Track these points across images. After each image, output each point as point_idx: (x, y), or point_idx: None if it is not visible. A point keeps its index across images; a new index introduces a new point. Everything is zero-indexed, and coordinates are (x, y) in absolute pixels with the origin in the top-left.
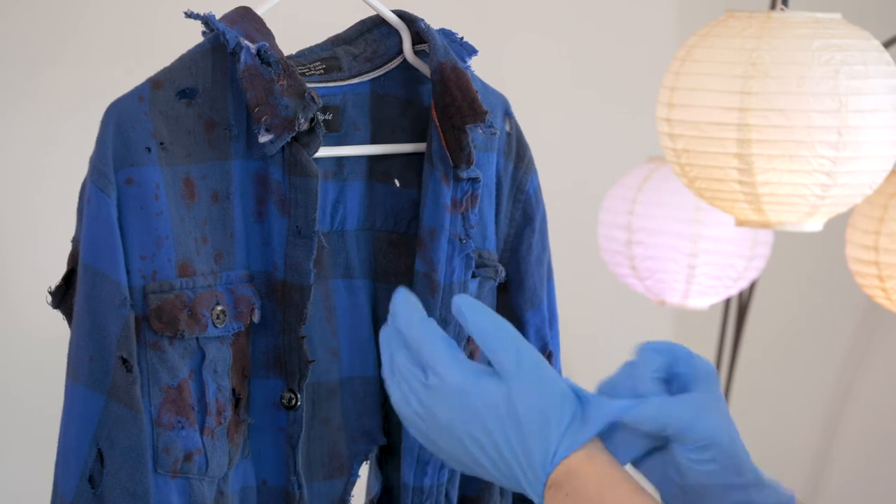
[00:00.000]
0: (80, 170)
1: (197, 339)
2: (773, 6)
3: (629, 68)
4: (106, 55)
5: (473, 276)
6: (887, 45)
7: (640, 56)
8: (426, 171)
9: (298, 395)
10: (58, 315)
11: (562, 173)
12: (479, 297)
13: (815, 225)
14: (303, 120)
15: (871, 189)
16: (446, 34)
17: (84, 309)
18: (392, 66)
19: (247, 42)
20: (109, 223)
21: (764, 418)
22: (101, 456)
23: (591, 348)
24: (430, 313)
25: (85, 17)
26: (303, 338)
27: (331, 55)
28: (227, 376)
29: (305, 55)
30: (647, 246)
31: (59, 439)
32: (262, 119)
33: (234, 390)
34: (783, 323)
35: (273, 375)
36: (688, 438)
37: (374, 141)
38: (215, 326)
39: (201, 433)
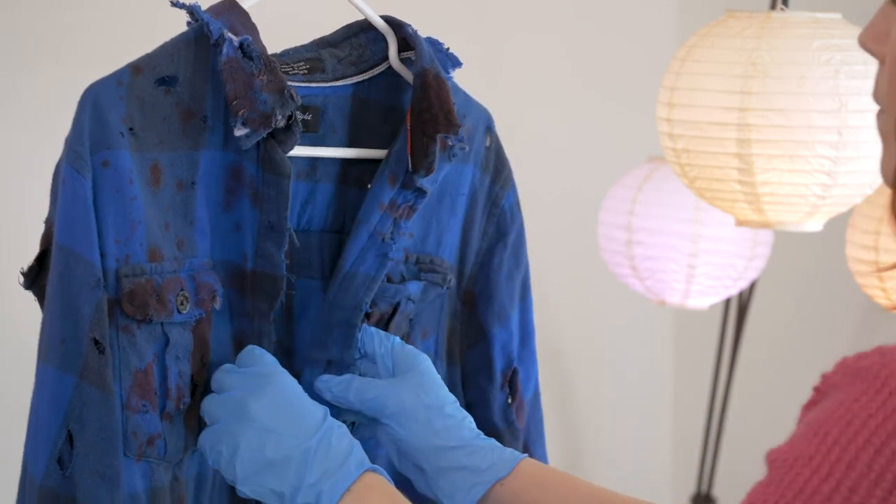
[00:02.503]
0: None
1: (162, 324)
2: (773, 6)
3: (629, 68)
4: (98, 55)
5: (418, 279)
6: None
7: (640, 56)
8: (378, 170)
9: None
10: None
11: (562, 173)
12: (422, 301)
13: (815, 225)
14: (280, 117)
15: (871, 189)
16: (433, 43)
17: (57, 290)
18: (377, 72)
19: (230, 34)
20: (85, 204)
21: (764, 418)
22: (70, 438)
23: (591, 348)
24: (324, 293)
25: (78, 16)
26: (273, 321)
27: (315, 56)
28: (187, 362)
29: (290, 55)
30: (647, 246)
31: (29, 420)
32: (240, 112)
33: (192, 377)
34: (783, 323)
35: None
36: (372, 411)
37: (350, 144)
38: (179, 312)
39: (161, 417)
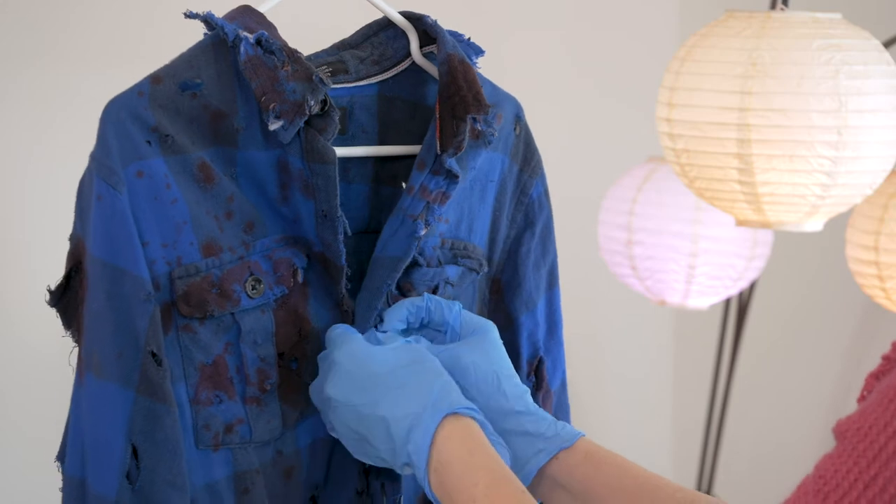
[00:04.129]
0: (70, 170)
1: (232, 314)
2: (773, 6)
3: (629, 68)
4: (94, 55)
5: (457, 263)
6: (887, 45)
7: (641, 56)
8: (415, 161)
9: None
10: (49, 315)
11: (562, 173)
12: (459, 286)
13: (815, 225)
14: (312, 102)
15: (871, 189)
16: (454, 34)
17: (106, 307)
18: (401, 69)
19: (245, 33)
20: (124, 218)
21: (764, 418)
22: (135, 452)
23: (591, 349)
24: (362, 272)
25: (75, 15)
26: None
27: (337, 59)
28: (270, 343)
29: (311, 59)
30: (647, 246)
31: (87, 437)
32: (271, 106)
33: (282, 355)
34: (783, 323)
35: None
36: (447, 368)
37: (381, 143)
38: (250, 298)
39: (244, 403)
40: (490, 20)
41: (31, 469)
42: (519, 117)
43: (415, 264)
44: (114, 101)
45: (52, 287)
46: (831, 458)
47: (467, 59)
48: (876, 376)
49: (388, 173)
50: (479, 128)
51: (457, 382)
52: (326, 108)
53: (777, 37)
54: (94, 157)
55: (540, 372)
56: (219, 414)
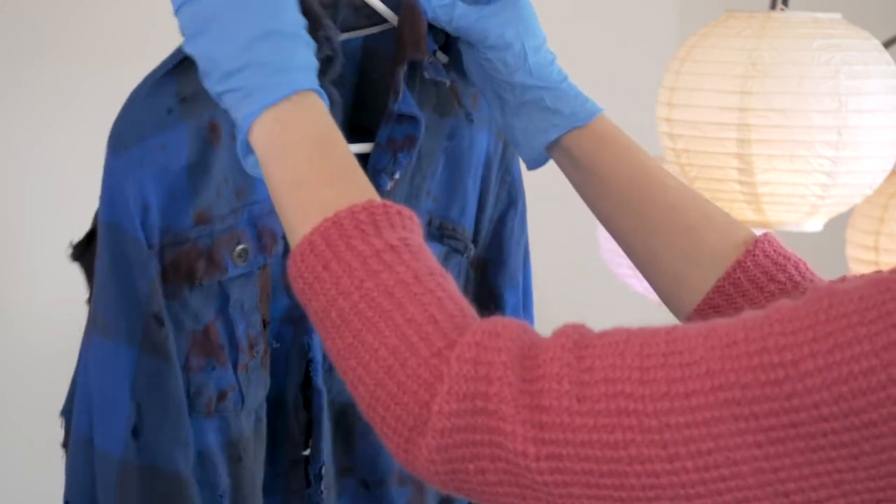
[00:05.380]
0: (70, 170)
1: (220, 282)
2: (773, 6)
3: (629, 68)
4: (94, 55)
5: (442, 242)
6: (887, 45)
7: (640, 56)
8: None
9: None
10: (48, 316)
11: (562, 173)
12: (444, 266)
13: (815, 225)
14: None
15: (871, 189)
16: None
17: (110, 267)
18: (388, 25)
19: None
20: (125, 180)
21: None
22: (139, 409)
23: None
24: None
25: (75, 15)
26: None
27: (332, 1)
28: (255, 310)
29: None
30: None
31: (94, 396)
32: None
33: (263, 321)
34: None
35: (284, 295)
36: (473, 37)
37: (356, 93)
38: (236, 266)
39: (235, 370)
40: None
41: (31, 469)
42: None
43: None
44: (141, 83)
45: (75, 242)
46: (793, 303)
47: (419, 4)
48: None
49: (364, 129)
50: (427, 75)
51: (481, 53)
52: (331, 56)
53: (777, 37)
54: (112, 128)
55: None
56: (211, 381)
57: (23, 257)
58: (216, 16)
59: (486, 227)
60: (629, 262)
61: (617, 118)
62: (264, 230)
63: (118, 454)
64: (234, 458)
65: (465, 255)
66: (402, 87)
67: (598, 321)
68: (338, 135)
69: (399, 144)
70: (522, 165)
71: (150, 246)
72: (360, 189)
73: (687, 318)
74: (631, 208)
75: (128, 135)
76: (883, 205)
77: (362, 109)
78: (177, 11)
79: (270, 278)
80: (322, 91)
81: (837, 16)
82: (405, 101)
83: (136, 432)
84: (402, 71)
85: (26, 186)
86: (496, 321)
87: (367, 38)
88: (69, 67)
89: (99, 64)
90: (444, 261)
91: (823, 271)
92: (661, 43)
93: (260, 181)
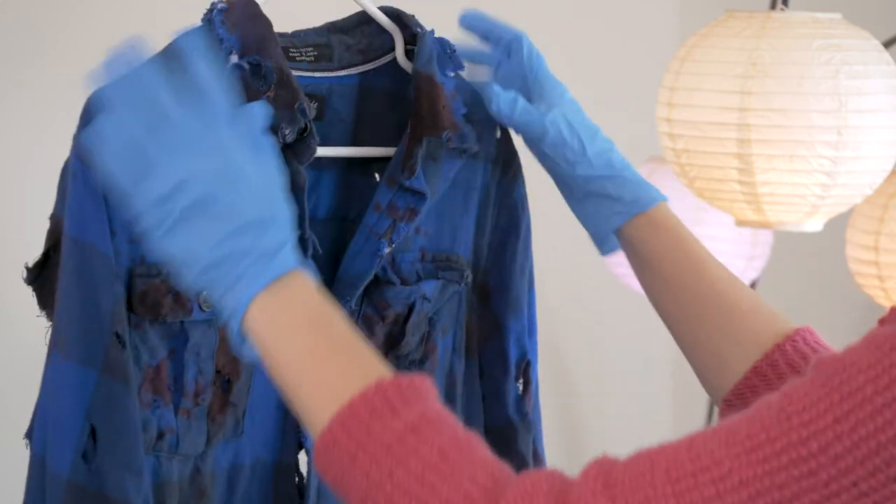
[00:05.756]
0: None
1: (182, 322)
2: (773, 6)
3: (629, 68)
4: (94, 55)
5: (436, 277)
6: (887, 45)
7: (641, 56)
8: (386, 170)
9: None
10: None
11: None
12: (441, 299)
13: (815, 225)
14: (288, 132)
15: (871, 189)
16: (442, 43)
17: (74, 283)
18: (384, 62)
19: (234, 57)
20: (96, 196)
21: None
22: (93, 432)
23: (592, 348)
24: (329, 286)
25: (75, 15)
26: None
27: (325, 42)
28: (210, 360)
29: (300, 37)
30: None
31: (44, 414)
32: None
33: (219, 372)
34: None
35: None
36: (533, 134)
37: (356, 133)
38: (202, 310)
39: (175, 413)
40: None
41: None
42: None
43: (388, 283)
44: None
45: (30, 265)
46: (802, 385)
47: (436, 77)
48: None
49: (360, 162)
50: (451, 145)
51: (543, 150)
52: (305, 134)
53: (777, 37)
54: (75, 137)
55: (527, 374)
56: (154, 418)
57: (23, 257)
58: (188, 217)
59: (485, 252)
60: (628, 262)
61: (617, 118)
62: None
63: (66, 475)
64: (158, 501)
65: (463, 284)
66: (419, 166)
67: (599, 321)
68: (332, 309)
69: (400, 214)
70: (531, 191)
71: (118, 269)
72: (369, 366)
73: (724, 400)
74: (682, 295)
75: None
76: (883, 205)
77: (361, 146)
78: (147, 231)
79: None
80: (307, 264)
81: (837, 16)
82: (417, 178)
83: (86, 455)
84: (420, 151)
85: (26, 186)
86: (527, 480)
87: (362, 76)
88: (69, 67)
89: (95, 62)
90: (440, 294)
91: (823, 271)
92: (661, 43)
93: None
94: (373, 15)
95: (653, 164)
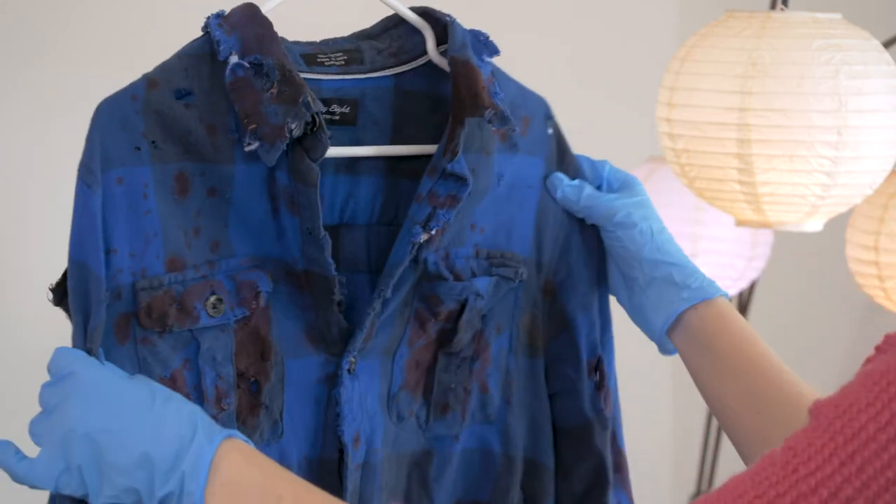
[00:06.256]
0: (70, 170)
1: (190, 330)
2: (773, 6)
3: (629, 68)
4: (94, 55)
5: (489, 274)
6: (887, 45)
7: (641, 56)
8: (428, 166)
9: (353, 362)
10: (48, 316)
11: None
12: (494, 296)
13: (815, 225)
14: (293, 126)
15: (871, 189)
16: (474, 34)
17: (74, 304)
18: (418, 63)
19: (234, 57)
20: (94, 218)
21: None
22: None
23: None
24: (371, 287)
25: (75, 15)
26: (340, 307)
27: (354, 47)
28: (229, 363)
29: (329, 44)
30: None
31: None
32: (250, 128)
33: (242, 375)
34: (783, 323)
35: (306, 353)
36: (600, 216)
37: (394, 136)
38: (210, 316)
39: None
40: (489, 20)
41: None
42: (549, 117)
43: (440, 278)
44: (106, 103)
45: (53, 286)
46: (804, 433)
47: (472, 61)
48: (866, 365)
49: (406, 165)
50: (493, 127)
51: (611, 232)
52: (315, 128)
53: (777, 37)
54: (81, 159)
55: (601, 370)
56: None
57: (23, 257)
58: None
59: (549, 248)
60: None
61: (617, 118)
62: (244, 284)
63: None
64: None
65: (518, 281)
66: (460, 148)
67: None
68: (276, 470)
69: (441, 201)
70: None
71: (117, 290)
72: None
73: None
74: (746, 388)
75: (97, 165)
76: (883, 205)
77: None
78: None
79: (268, 338)
80: (236, 433)
81: (837, 16)
82: (459, 161)
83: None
84: (462, 132)
85: (26, 186)
86: None
87: (398, 77)
88: (69, 67)
89: (99, 64)
90: (494, 291)
91: (823, 271)
92: (661, 43)
93: (239, 237)
94: (399, 11)
95: (653, 164)
